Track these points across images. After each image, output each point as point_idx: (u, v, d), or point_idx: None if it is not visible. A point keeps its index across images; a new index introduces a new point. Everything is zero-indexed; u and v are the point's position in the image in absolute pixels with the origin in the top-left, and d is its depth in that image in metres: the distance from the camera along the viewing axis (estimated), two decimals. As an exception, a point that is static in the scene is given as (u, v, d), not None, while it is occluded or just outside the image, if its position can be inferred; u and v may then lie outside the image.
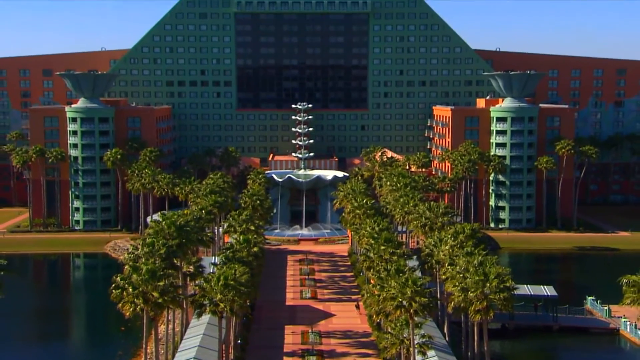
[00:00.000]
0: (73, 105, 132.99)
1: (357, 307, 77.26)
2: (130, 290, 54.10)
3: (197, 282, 64.61)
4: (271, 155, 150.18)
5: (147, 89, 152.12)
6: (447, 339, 66.23)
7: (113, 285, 55.55)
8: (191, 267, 68.39)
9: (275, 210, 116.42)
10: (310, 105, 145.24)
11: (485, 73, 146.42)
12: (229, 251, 68.05)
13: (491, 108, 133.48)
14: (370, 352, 64.51)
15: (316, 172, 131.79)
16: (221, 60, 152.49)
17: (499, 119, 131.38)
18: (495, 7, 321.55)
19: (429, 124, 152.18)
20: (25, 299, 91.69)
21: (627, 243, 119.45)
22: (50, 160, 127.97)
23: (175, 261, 65.74)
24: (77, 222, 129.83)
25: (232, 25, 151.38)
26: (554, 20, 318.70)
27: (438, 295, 67.69)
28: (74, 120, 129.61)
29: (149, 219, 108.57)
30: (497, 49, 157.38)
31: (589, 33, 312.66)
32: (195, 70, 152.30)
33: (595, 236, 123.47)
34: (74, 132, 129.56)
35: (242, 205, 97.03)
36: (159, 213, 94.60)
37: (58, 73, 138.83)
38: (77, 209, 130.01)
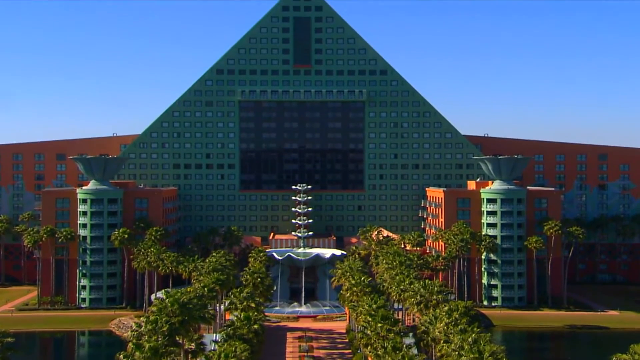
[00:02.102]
0: (84, 187, 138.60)
1: None
2: (133, 368, 55.62)
3: (198, 359, 66.83)
4: (272, 234, 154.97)
5: (154, 172, 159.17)
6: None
7: (115, 363, 56.94)
8: (193, 344, 70.28)
9: (275, 288, 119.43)
10: (309, 187, 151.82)
11: (475, 157, 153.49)
12: (230, 328, 71.04)
13: (481, 190, 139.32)
14: None
15: (315, 251, 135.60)
16: (225, 145, 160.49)
17: (489, 200, 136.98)
18: (483, 96, 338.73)
19: (422, 205, 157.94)
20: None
21: (616, 322, 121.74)
22: (60, 239, 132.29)
23: (178, 338, 67.62)
24: (84, 300, 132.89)
25: (237, 112, 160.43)
26: (539, 109, 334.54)
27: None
28: (84, 201, 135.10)
29: (153, 296, 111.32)
30: (486, 135, 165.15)
31: (571, 120, 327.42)
32: (200, 153, 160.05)
33: (585, 315, 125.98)
34: (84, 213, 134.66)
35: (244, 282, 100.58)
36: (163, 290, 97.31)
37: (71, 157, 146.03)
38: (83, 287, 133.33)
